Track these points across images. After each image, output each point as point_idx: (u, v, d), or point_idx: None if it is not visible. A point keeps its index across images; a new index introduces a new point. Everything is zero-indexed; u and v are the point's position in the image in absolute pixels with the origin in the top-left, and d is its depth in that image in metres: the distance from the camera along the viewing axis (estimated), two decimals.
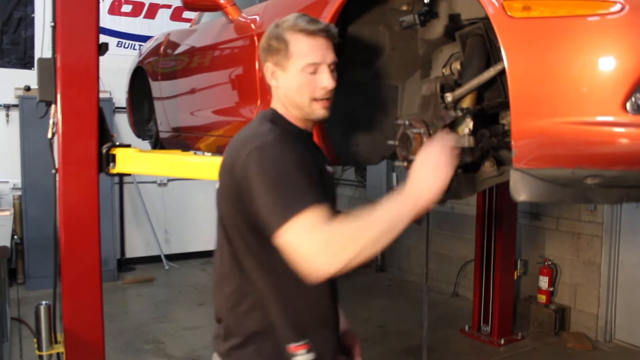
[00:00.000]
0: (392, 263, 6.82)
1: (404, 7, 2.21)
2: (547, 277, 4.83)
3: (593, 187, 1.56)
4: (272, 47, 1.56)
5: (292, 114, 1.61)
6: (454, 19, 2.03)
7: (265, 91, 2.61)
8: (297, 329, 1.51)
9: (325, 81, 1.55)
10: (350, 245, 1.29)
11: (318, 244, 1.29)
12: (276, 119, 1.59)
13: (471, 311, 4.87)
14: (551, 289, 4.86)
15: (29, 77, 5.56)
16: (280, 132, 1.48)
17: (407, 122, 1.92)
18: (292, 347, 1.51)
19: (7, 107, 6.18)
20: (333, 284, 1.62)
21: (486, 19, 1.79)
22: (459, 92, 1.89)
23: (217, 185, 1.62)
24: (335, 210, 1.50)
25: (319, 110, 1.58)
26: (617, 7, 1.35)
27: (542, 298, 4.86)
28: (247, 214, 1.45)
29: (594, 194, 1.61)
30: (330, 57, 1.56)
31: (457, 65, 2.08)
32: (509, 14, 1.50)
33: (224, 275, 1.61)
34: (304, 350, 1.51)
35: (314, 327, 1.55)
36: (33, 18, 6.26)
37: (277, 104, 1.63)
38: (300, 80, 1.54)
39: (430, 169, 1.41)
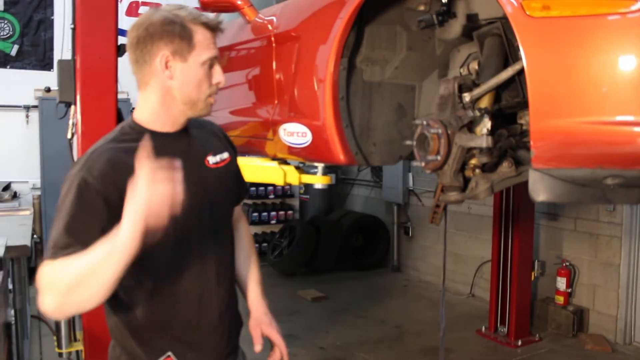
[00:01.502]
0: (408, 263, 6.80)
1: (422, 7, 2.21)
2: (565, 278, 4.79)
3: (613, 187, 1.55)
4: (171, 34, 1.41)
5: (167, 114, 1.49)
6: (471, 18, 2.03)
7: (283, 91, 2.62)
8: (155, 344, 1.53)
9: (221, 77, 1.50)
10: (74, 289, 1.28)
11: (45, 286, 1.32)
12: (127, 132, 1.50)
13: (488, 312, 4.84)
14: (569, 290, 4.81)
15: (49, 79, 5.63)
16: (93, 160, 1.40)
17: (424, 122, 1.91)
18: None
19: (27, 108, 6.26)
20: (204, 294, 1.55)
21: (504, 19, 1.78)
22: (477, 92, 1.88)
23: None
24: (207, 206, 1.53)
25: (209, 106, 1.52)
26: (638, 5, 1.34)
27: (560, 299, 4.82)
28: None
29: (614, 194, 1.60)
30: (219, 53, 1.52)
31: (474, 65, 2.07)
32: (528, 13, 1.50)
33: None
34: None
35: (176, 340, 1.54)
36: (53, 20, 6.33)
37: (149, 103, 1.49)
38: (201, 74, 1.46)
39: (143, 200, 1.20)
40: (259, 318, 1.75)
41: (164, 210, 1.20)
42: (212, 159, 1.60)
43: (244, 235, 1.80)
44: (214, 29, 1.48)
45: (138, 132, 1.47)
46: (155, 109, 1.49)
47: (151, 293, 1.47)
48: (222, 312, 1.60)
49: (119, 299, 1.50)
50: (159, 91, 1.47)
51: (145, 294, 1.48)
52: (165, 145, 1.45)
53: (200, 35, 1.45)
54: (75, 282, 1.26)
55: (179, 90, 1.46)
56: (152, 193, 1.18)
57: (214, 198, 1.57)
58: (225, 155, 1.65)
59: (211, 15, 1.55)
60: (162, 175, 1.19)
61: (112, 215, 1.30)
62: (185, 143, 1.55)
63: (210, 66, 1.48)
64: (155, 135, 1.44)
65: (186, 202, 1.28)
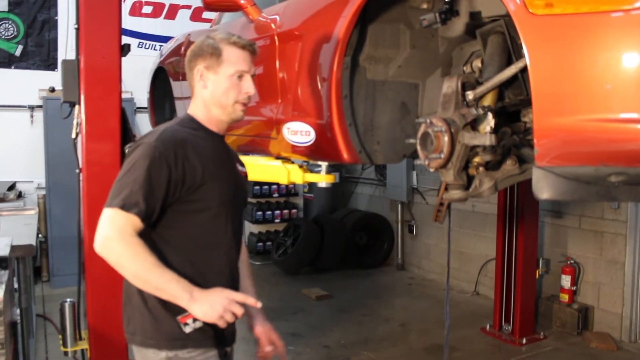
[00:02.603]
0: (412, 262, 6.80)
1: (425, 6, 2.21)
2: (570, 276, 4.78)
3: (617, 185, 1.54)
4: (205, 52, 1.80)
5: (210, 117, 1.84)
6: (474, 16, 2.02)
7: (286, 90, 2.62)
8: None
9: (249, 88, 1.81)
10: (115, 257, 1.61)
11: (107, 232, 1.61)
12: (188, 122, 1.83)
13: (492, 310, 4.84)
14: (574, 288, 4.81)
15: (53, 79, 5.65)
16: (168, 135, 1.72)
17: (428, 121, 1.91)
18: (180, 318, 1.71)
19: (32, 108, 6.27)
20: (232, 264, 1.87)
21: (507, 16, 1.78)
22: (480, 89, 1.88)
23: None
24: (243, 207, 1.95)
25: (239, 112, 1.83)
26: None
27: (565, 297, 4.81)
28: None
29: (618, 191, 1.60)
30: (253, 69, 1.84)
31: (478, 63, 2.07)
32: (530, 11, 1.50)
33: None
34: (191, 319, 1.70)
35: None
36: (56, 20, 6.35)
37: (197, 107, 1.85)
38: (228, 83, 1.79)
39: (217, 304, 1.63)
40: (264, 324, 2.04)
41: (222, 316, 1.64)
42: (240, 167, 1.97)
43: (244, 250, 2.08)
44: (242, 47, 1.82)
45: (197, 123, 1.83)
46: (203, 111, 1.84)
47: (188, 257, 1.74)
48: (235, 289, 1.86)
49: None
50: (200, 98, 1.84)
51: (182, 257, 1.74)
52: (214, 141, 1.84)
53: (229, 52, 1.80)
54: (127, 259, 1.60)
55: (210, 96, 1.82)
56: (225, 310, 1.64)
57: (242, 196, 1.96)
58: (244, 169, 2.01)
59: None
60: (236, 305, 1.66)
61: (171, 185, 1.67)
62: (226, 145, 1.94)
63: (240, 77, 1.80)
64: (207, 131, 1.84)
65: (233, 190, 1.82)
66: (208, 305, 1.61)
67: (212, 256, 1.79)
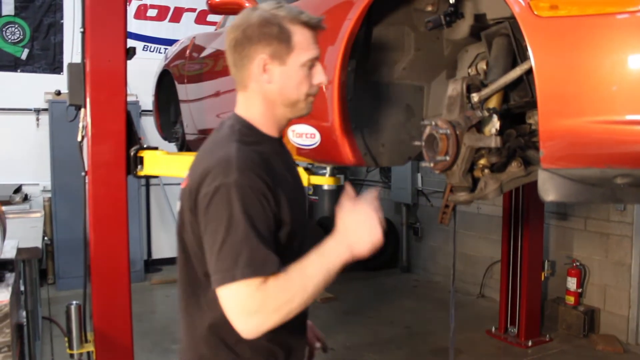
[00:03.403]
0: (418, 264, 6.78)
1: (429, 8, 2.21)
2: (576, 278, 4.76)
3: (623, 187, 1.54)
4: (269, 36, 1.38)
5: (272, 118, 1.47)
6: (479, 18, 2.03)
7: None
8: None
9: (322, 77, 1.46)
10: (284, 307, 1.27)
11: (252, 308, 1.26)
12: (247, 134, 1.43)
13: (498, 312, 4.82)
14: (580, 290, 4.79)
15: (59, 82, 5.68)
16: (244, 163, 1.33)
17: (433, 123, 1.91)
18: None
19: (38, 111, 6.30)
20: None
21: (512, 19, 1.78)
22: (486, 92, 1.88)
23: (178, 206, 1.51)
24: (304, 213, 1.55)
25: (309, 106, 1.49)
26: None
27: (571, 299, 4.79)
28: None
29: (624, 193, 1.59)
30: (319, 52, 1.46)
31: (483, 65, 2.07)
32: (535, 13, 1.50)
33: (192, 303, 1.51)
34: None
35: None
36: (62, 24, 6.37)
37: (254, 106, 1.46)
38: (300, 75, 1.42)
39: (362, 223, 1.34)
40: (309, 324, 1.78)
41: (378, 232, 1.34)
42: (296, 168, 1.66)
43: None
44: (314, 27, 1.43)
45: (256, 132, 1.46)
46: (262, 112, 1.46)
47: None
48: (305, 317, 1.62)
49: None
50: (259, 95, 1.45)
51: None
52: (277, 150, 1.49)
53: (300, 35, 1.40)
54: (289, 299, 1.27)
55: (278, 94, 1.43)
56: (374, 219, 1.35)
57: (303, 205, 1.59)
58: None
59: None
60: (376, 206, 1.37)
61: (271, 215, 1.33)
62: (286, 150, 1.57)
63: (311, 66, 1.44)
64: (269, 140, 1.47)
65: (302, 204, 1.48)
66: (367, 236, 1.32)
67: None
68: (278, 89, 1.42)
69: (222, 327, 1.37)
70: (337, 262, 1.29)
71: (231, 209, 1.28)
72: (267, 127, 1.47)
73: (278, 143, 1.51)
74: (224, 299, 1.28)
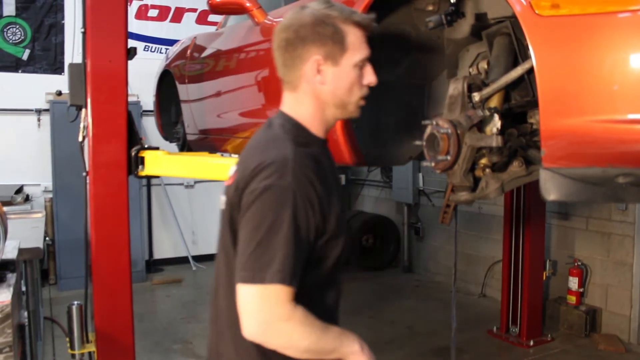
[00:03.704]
0: (419, 264, 6.78)
1: (430, 7, 2.21)
2: (577, 278, 4.76)
3: (624, 186, 1.53)
4: (323, 37, 1.36)
5: (321, 119, 1.45)
6: (480, 18, 2.02)
7: None
8: None
9: (372, 77, 1.44)
10: (285, 339, 1.28)
11: (263, 317, 1.26)
12: (299, 135, 1.41)
13: (499, 312, 4.82)
14: (581, 289, 4.78)
15: (60, 82, 5.69)
16: (300, 168, 1.31)
17: (434, 122, 1.91)
18: None
19: (39, 111, 6.31)
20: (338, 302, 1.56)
21: (513, 18, 1.77)
22: (487, 91, 1.87)
23: (222, 201, 1.47)
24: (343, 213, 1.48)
25: (359, 109, 1.47)
26: None
27: (572, 299, 4.79)
28: None
29: (626, 192, 1.59)
30: (369, 51, 1.44)
31: (484, 65, 2.07)
32: (537, 12, 1.49)
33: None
34: None
35: None
36: (63, 25, 6.38)
37: (304, 106, 1.44)
38: (353, 76, 1.41)
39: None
40: None
41: None
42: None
43: None
44: (366, 27, 1.42)
45: (307, 135, 1.43)
46: (312, 113, 1.44)
47: (308, 305, 1.34)
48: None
49: None
50: (311, 95, 1.42)
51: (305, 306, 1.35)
52: (325, 153, 1.47)
53: (353, 35, 1.39)
54: (302, 337, 1.29)
55: (331, 95, 1.41)
56: None
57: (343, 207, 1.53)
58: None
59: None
60: None
61: (315, 233, 1.32)
62: (330, 152, 1.53)
63: (362, 67, 1.43)
64: (317, 141, 1.45)
65: (343, 215, 1.43)
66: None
67: (328, 298, 1.47)
68: (331, 90, 1.40)
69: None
70: (345, 346, 1.36)
71: (279, 212, 1.26)
72: (316, 128, 1.45)
73: (324, 144, 1.49)
74: (245, 296, 1.27)
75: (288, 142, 1.36)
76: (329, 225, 1.35)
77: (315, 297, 1.40)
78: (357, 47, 1.39)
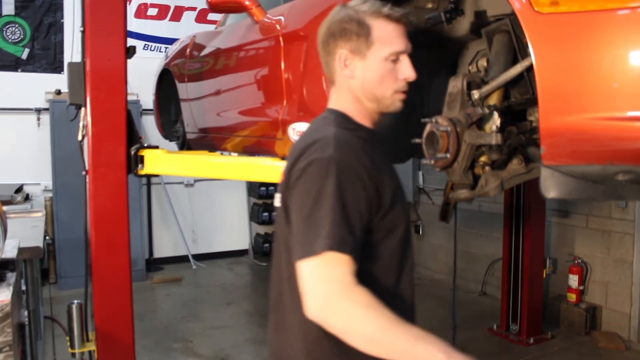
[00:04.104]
0: (419, 262, 6.78)
1: (430, 5, 2.21)
2: (577, 276, 4.76)
3: (624, 184, 1.53)
4: (349, 32, 1.40)
5: (362, 111, 1.46)
6: (479, 15, 2.02)
7: (292, 91, 2.62)
8: None
9: (408, 72, 1.43)
10: (344, 320, 1.17)
11: (320, 291, 1.19)
12: (343, 122, 1.43)
13: (499, 310, 4.82)
14: (581, 287, 4.78)
15: (59, 81, 5.69)
16: (343, 143, 1.32)
17: (433, 120, 1.91)
18: None
19: (38, 110, 6.30)
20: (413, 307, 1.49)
21: (512, 15, 1.77)
22: (486, 89, 1.87)
23: (276, 197, 1.46)
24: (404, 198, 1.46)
25: (398, 102, 1.46)
26: None
27: (572, 297, 4.79)
28: None
29: (626, 190, 1.59)
30: (409, 45, 1.44)
31: (483, 62, 2.07)
32: (536, 9, 1.49)
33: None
34: None
35: None
36: (62, 23, 6.37)
37: (343, 100, 1.47)
38: (383, 70, 1.41)
39: None
40: None
41: None
42: None
43: None
44: (397, 20, 1.42)
45: (352, 122, 1.45)
46: (353, 105, 1.46)
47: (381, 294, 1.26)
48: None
49: None
50: (346, 89, 1.46)
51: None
52: (373, 140, 1.46)
53: (380, 29, 1.40)
54: (366, 329, 1.17)
55: (360, 89, 1.44)
56: None
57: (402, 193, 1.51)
58: None
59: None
60: None
61: (369, 206, 1.29)
62: (379, 144, 1.51)
63: (396, 60, 1.42)
64: (365, 129, 1.46)
65: (401, 192, 1.42)
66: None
67: (401, 287, 1.40)
68: (360, 84, 1.43)
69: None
70: (422, 351, 1.15)
71: (323, 183, 1.25)
72: (360, 118, 1.47)
73: (373, 133, 1.49)
74: (302, 274, 1.23)
75: (330, 126, 1.39)
76: (384, 200, 1.33)
77: (387, 285, 1.35)
78: (385, 40, 1.40)
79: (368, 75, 1.42)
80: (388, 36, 1.40)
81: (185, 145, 4.12)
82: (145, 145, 3.15)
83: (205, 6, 3.08)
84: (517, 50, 1.91)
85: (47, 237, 5.45)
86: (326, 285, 1.19)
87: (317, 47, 1.50)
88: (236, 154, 3.43)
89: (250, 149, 3.27)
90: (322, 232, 1.21)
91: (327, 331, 1.23)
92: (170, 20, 7.02)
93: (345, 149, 1.31)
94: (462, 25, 2.08)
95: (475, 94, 1.87)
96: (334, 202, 1.23)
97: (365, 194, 1.29)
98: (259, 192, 7.20)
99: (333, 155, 1.28)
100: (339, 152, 1.29)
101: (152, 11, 6.92)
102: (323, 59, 1.48)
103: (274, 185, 7.18)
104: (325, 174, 1.26)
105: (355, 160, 1.30)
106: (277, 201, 1.45)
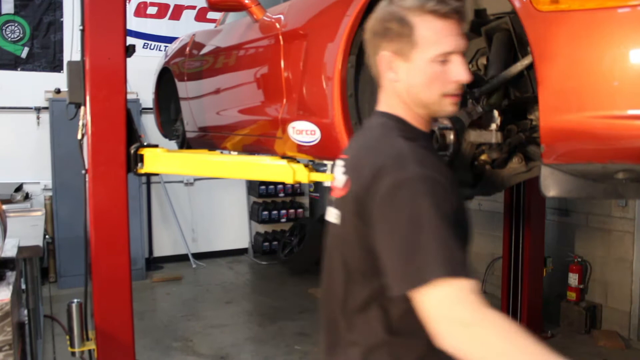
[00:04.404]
0: None
1: None
2: (577, 274, 4.75)
3: (625, 182, 1.53)
4: (391, 32, 1.26)
5: (415, 115, 1.33)
6: (479, 14, 2.02)
7: (291, 90, 2.62)
8: None
9: (460, 74, 1.27)
10: (490, 348, 1.05)
11: (455, 317, 1.07)
12: (404, 129, 1.30)
13: (499, 308, 4.82)
14: (581, 286, 4.78)
15: (59, 80, 5.67)
16: (421, 156, 1.20)
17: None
18: None
19: (38, 109, 6.29)
20: None
21: (512, 13, 1.77)
22: (486, 87, 1.87)
23: (334, 214, 1.35)
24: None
25: (449, 107, 1.30)
26: None
27: (572, 295, 4.79)
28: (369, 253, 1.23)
29: (626, 189, 1.59)
30: (463, 43, 1.28)
31: (483, 61, 2.07)
32: (536, 7, 1.49)
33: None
34: None
35: None
36: (62, 22, 6.37)
37: (392, 103, 1.35)
38: (429, 72, 1.26)
39: None
40: None
41: None
42: None
43: None
44: (445, 16, 1.24)
45: (412, 129, 1.32)
46: (403, 109, 1.33)
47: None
48: None
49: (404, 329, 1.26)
50: (392, 93, 1.34)
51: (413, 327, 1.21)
52: (433, 147, 1.37)
53: (425, 28, 1.24)
54: (491, 346, 1.04)
55: (406, 93, 1.30)
56: None
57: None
58: None
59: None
60: None
61: (455, 214, 1.18)
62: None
63: (445, 61, 1.26)
64: (424, 136, 1.35)
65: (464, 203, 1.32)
66: None
67: None
68: (406, 88, 1.30)
69: (394, 346, 1.24)
70: None
71: (418, 204, 1.13)
72: (417, 123, 1.34)
73: (430, 138, 1.40)
74: (426, 303, 1.10)
75: (396, 137, 1.26)
76: (462, 213, 1.26)
77: None
78: (431, 40, 1.24)
79: (414, 79, 1.28)
80: (434, 35, 1.24)
81: (185, 144, 4.12)
82: (145, 144, 3.15)
83: (204, 5, 3.07)
84: (517, 48, 1.91)
85: (46, 236, 5.45)
86: (458, 314, 1.07)
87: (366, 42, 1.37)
88: (236, 153, 3.43)
89: (250, 148, 3.27)
90: (434, 257, 1.09)
91: (386, 351, 1.23)
92: (169, 18, 7.02)
93: (425, 163, 1.19)
94: None
95: (476, 93, 1.87)
96: (437, 224, 1.11)
97: (453, 208, 1.18)
98: (258, 190, 7.20)
99: (418, 171, 1.16)
100: (421, 167, 1.17)
101: (152, 10, 6.91)
102: (369, 58, 1.36)
103: (274, 183, 7.19)
104: (415, 194, 1.14)
105: (439, 173, 1.19)
106: (333, 218, 1.36)
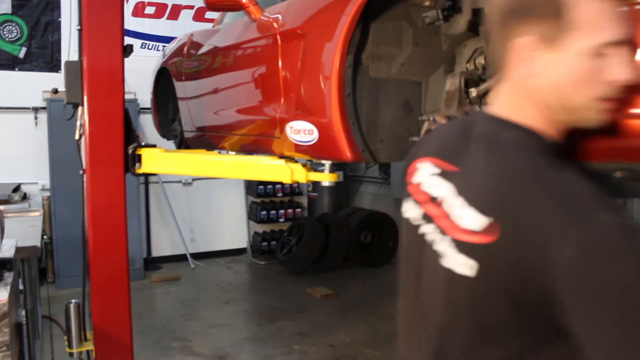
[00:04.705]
0: None
1: (427, 3, 2.20)
2: None
3: (622, 181, 1.53)
4: (536, 11, 0.96)
5: (551, 122, 1.02)
6: (477, 13, 2.02)
7: (289, 89, 2.62)
8: None
9: (621, 71, 0.96)
10: None
11: None
12: (546, 150, 0.99)
13: None
14: None
15: (57, 80, 5.67)
16: (597, 193, 0.89)
17: (431, 118, 1.91)
18: None
19: (36, 109, 6.29)
20: None
21: None
22: (484, 87, 1.87)
23: (470, 266, 0.98)
24: None
25: (601, 114, 1.00)
26: None
27: None
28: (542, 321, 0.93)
29: (624, 187, 1.59)
30: (631, 32, 1.00)
31: (481, 60, 2.06)
32: None
33: None
34: None
35: None
36: (59, 22, 6.36)
37: (521, 107, 1.02)
38: (582, 68, 0.95)
39: None
40: None
41: None
42: None
43: None
44: None
45: (552, 147, 1.01)
46: (536, 116, 1.01)
47: None
48: None
49: None
50: (522, 92, 1.02)
51: None
52: (581, 168, 1.02)
53: (586, 8, 0.94)
54: None
55: (550, 93, 0.99)
56: None
57: None
58: None
59: None
60: None
61: None
62: None
63: (603, 55, 0.95)
64: (557, 147, 1.03)
65: None
66: None
67: None
68: (550, 86, 0.98)
69: None
70: None
71: (624, 270, 0.82)
72: (553, 133, 1.03)
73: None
74: None
75: (551, 168, 0.94)
76: None
77: None
78: (592, 25, 0.94)
79: (561, 76, 0.97)
80: (597, 19, 0.94)
81: (183, 144, 4.11)
82: (143, 144, 3.15)
83: (202, 4, 3.07)
84: None
85: (44, 236, 5.44)
86: None
87: (491, 26, 1.06)
88: (234, 153, 3.42)
89: (248, 148, 3.27)
90: None
91: None
92: (167, 18, 7.01)
93: (608, 204, 0.88)
94: (460, 23, 2.07)
95: (473, 92, 1.87)
96: None
97: None
98: (257, 190, 7.20)
99: (606, 222, 0.85)
100: (611, 211, 0.87)
101: (150, 10, 6.91)
102: (494, 43, 1.04)
103: (272, 183, 7.19)
104: (615, 256, 0.83)
105: (624, 217, 0.87)
106: (469, 269, 0.98)
